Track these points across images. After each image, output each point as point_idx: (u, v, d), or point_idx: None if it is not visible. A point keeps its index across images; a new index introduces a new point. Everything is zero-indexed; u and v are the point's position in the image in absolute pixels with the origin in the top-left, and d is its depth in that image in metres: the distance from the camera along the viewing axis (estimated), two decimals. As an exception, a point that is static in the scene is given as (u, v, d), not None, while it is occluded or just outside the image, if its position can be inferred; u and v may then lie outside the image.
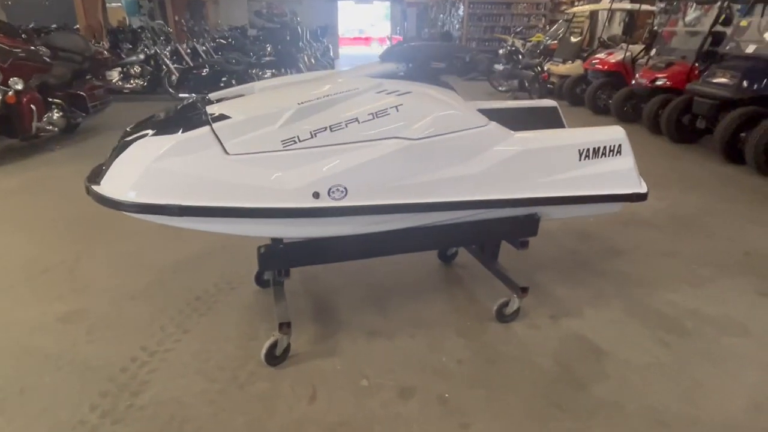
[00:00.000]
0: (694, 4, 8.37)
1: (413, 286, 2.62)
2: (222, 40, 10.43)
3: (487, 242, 2.41)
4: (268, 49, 7.53)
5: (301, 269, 2.59)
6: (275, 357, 1.99)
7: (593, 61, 8.06)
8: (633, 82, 6.88)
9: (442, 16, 14.83)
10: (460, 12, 13.53)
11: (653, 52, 7.08)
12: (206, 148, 1.74)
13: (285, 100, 1.83)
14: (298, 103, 1.80)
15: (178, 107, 2.02)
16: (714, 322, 2.32)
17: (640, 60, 7.71)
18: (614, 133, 2.20)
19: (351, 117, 1.83)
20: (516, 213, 2.18)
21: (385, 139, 1.86)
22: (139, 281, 2.63)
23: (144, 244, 3.09)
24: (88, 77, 5.88)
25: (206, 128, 1.76)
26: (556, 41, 10.15)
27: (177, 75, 8.22)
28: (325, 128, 1.81)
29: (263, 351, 1.97)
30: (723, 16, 8.81)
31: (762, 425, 1.72)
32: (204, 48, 9.70)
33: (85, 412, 1.75)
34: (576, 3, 12.92)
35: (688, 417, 1.76)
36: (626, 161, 2.22)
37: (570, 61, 9.03)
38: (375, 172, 1.86)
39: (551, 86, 8.93)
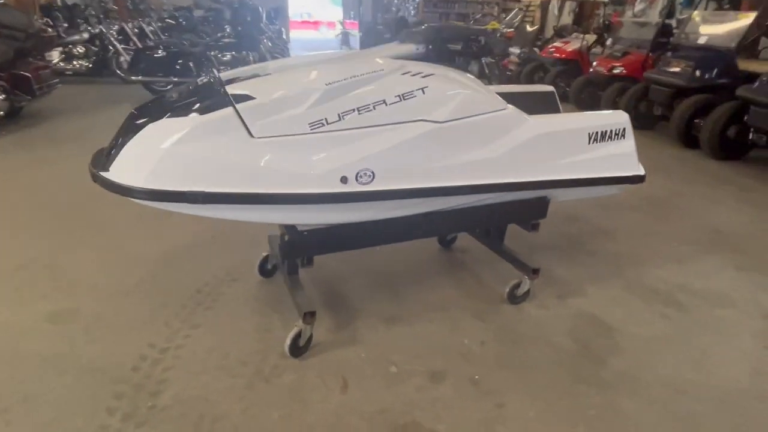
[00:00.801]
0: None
1: (418, 271, 2.61)
2: (171, 21, 9.86)
3: (499, 225, 2.44)
4: (227, 30, 7.19)
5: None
6: (298, 348, 1.93)
7: (550, 50, 8.30)
8: (591, 70, 7.15)
9: (396, 1, 14.76)
10: (416, -2, 13.54)
11: (608, 41, 7.38)
12: (230, 131, 1.64)
13: (311, 81, 1.75)
14: (326, 84, 1.72)
15: (192, 87, 1.89)
16: (703, 296, 2.48)
17: (594, 49, 8.02)
18: (619, 117, 2.27)
19: (378, 99, 1.78)
20: (528, 196, 2.22)
21: (412, 121, 1.83)
22: (129, 276, 2.47)
23: (124, 236, 2.89)
24: (31, 57, 5.38)
25: (229, 109, 1.65)
26: (512, 29, 10.36)
27: (126, 57, 7.70)
28: (353, 110, 1.75)
29: (287, 342, 1.90)
30: (667, 9, 9.34)
31: (766, 387, 1.87)
32: (151, 28, 9.13)
33: (103, 416, 1.62)
34: (527, -8, 13.23)
35: (700, 384, 1.87)
36: (629, 144, 2.31)
37: (526, 49, 9.25)
38: (402, 156, 1.82)
39: (510, 73, 9.12)
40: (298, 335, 1.91)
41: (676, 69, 5.46)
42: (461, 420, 1.67)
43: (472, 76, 2.08)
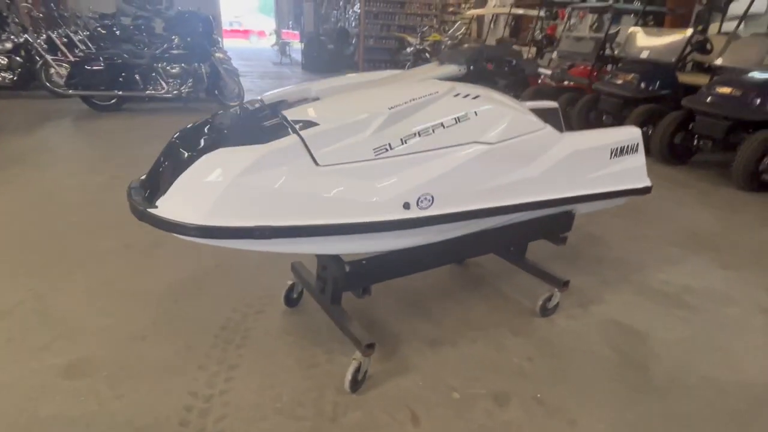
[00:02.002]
0: (570, 11, 9.40)
1: (442, 289, 2.60)
2: (101, 30, 9.17)
3: (531, 240, 2.47)
4: (175, 40, 6.80)
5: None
6: (357, 382, 1.84)
7: (498, 62, 8.64)
8: (539, 81, 7.53)
9: (335, 12, 14.73)
10: (356, 9, 13.57)
11: (554, 54, 7.80)
12: (296, 160, 1.54)
13: (374, 105, 1.69)
14: (389, 108, 1.67)
15: (240, 112, 1.75)
16: (706, 296, 2.67)
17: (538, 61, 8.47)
18: (634, 133, 2.39)
19: (437, 122, 1.75)
20: (557, 210, 2.28)
21: (467, 144, 1.82)
22: (138, 316, 2.24)
23: (112, 271, 2.62)
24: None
25: (294, 137, 1.55)
26: (456, 42, 10.69)
27: (57, 68, 7.07)
28: (415, 134, 1.71)
29: (348, 377, 1.81)
30: (596, 24, 10.01)
31: (790, 379, 2.04)
32: (79, 37, 8.45)
33: (167, 482, 1.45)
34: (462, 5, 13.74)
35: (737, 382, 2.00)
36: (640, 158, 2.44)
37: (473, 61, 9.57)
38: (458, 179, 1.81)
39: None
40: (358, 369, 1.82)
41: (623, 81, 5.89)
42: (541, 441, 1.67)
43: (510, 96, 2.10)
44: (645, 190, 2.50)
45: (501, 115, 1.90)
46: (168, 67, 6.69)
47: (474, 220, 1.93)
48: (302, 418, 1.71)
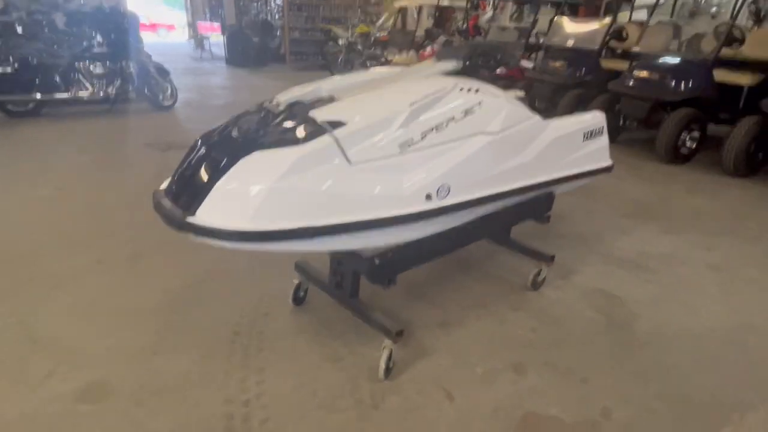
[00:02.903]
0: (491, 3, 9.87)
1: (436, 276, 2.72)
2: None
3: (519, 222, 2.64)
4: (97, 38, 6.29)
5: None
6: (389, 369, 1.92)
7: (431, 53, 8.89)
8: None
9: (256, 3, 14.27)
10: (279, 1, 13.24)
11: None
12: (331, 159, 1.58)
13: (394, 102, 1.75)
14: (410, 105, 1.74)
15: (263, 114, 1.73)
16: (660, 259, 3.02)
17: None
18: (599, 117, 2.64)
19: (450, 116, 1.86)
20: (540, 193, 2.48)
21: (474, 135, 1.94)
22: (141, 332, 2.15)
23: (97, 289, 2.47)
24: None
25: (328, 137, 1.58)
26: (385, 33, 10.81)
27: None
28: (432, 128, 1.80)
29: (382, 365, 1.88)
30: (516, 14, 10.57)
31: (746, 320, 2.39)
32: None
33: (233, 489, 1.45)
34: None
35: (705, 329, 2.32)
36: (605, 140, 2.70)
37: (405, 52, 9.78)
38: (470, 168, 1.93)
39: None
40: (390, 356, 1.90)
41: (553, 68, 6.33)
42: (564, 400, 1.85)
43: (499, 89, 2.25)
44: (609, 169, 2.77)
45: (500, 106, 2.04)
46: (91, 67, 6.20)
47: (482, 206, 2.06)
48: (345, 410, 1.77)
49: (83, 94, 6.14)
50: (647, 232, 3.41)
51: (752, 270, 2.89)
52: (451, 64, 2.13)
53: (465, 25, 10.71)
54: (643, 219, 3.62)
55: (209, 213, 1.48)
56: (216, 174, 1.50)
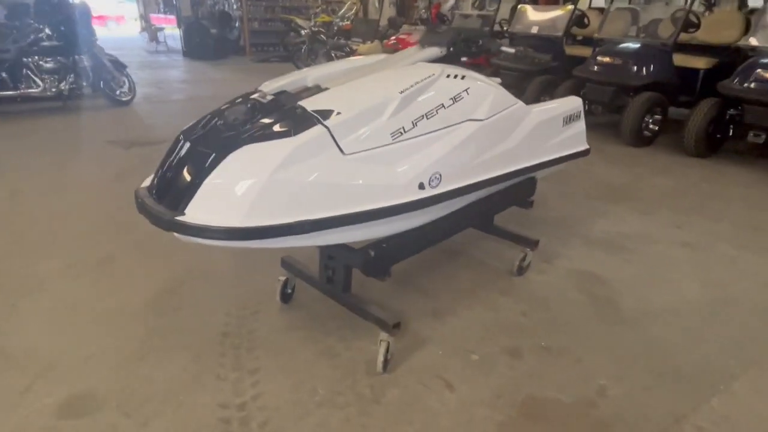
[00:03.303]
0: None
1: (424, 265, 2.71)
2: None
3: (504, 208, 2.65)
4: (46, 30, 5.90)
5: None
6: (386, 362, 1.90)
7: (395, 41, 8.83)
8: (439, 59, 7.86)
9: (211, -7, 13.79)
10: (236, -10, 12.86)
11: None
12: (325, 150, 1.53)
13: (386, 90, 1.71)
14: (400, 92, 1.71)
15: (251, 105, 1.65)
16: (635, 238, 3.11)
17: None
18: (576, 102, 2.68)
19: (438, 103, 1.83)
20: (523, 178, 2.49)
21: (463, 122, 1.92)
22: (124, 338, 2.05)
23: (70, 296, 2.34)
24: None
25: (320, 128, 1.53)
26: (348, 22, 10.67)
27: None
28: (423, 116, 1.77)
29: (380, 359, 1.86)
30: (477, 2, 10.62)
31: (722, 294, 2.49)
32: None
33: (239, 495, 1.40)
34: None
35: (684, 304, 2.40)
36: (581, 124, 2.74)
37: (370, 41, 9.69)
38: (460, 156, 1.91)
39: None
40: (387, 349, 1.88)
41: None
42: (561, 381, 1.88)
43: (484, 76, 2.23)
44: (586, 152, 2.82)
45: (486, 92, 2.03)
46: (41, 62, 5.84)
47: (471, 193, 2.05)
48: (345, 406, 1.74)
49: (33, 91, 5.79)
50: (620, 213, 3.50)
51: (722, 245, 3.02)
52: (434, 51, 2.10)
53: (427, 14, 10.71)
54: (615, 200, 3.71)
55: (199, 211, 1.41)
56: (204, 170, 1.43)
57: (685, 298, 2.46)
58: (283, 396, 1.77)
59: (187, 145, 1.51)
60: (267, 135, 1.49)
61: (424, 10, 11.18)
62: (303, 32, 9.76)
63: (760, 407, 1.78)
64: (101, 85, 6.27)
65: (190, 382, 1.82)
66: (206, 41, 11.89)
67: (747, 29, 5.39)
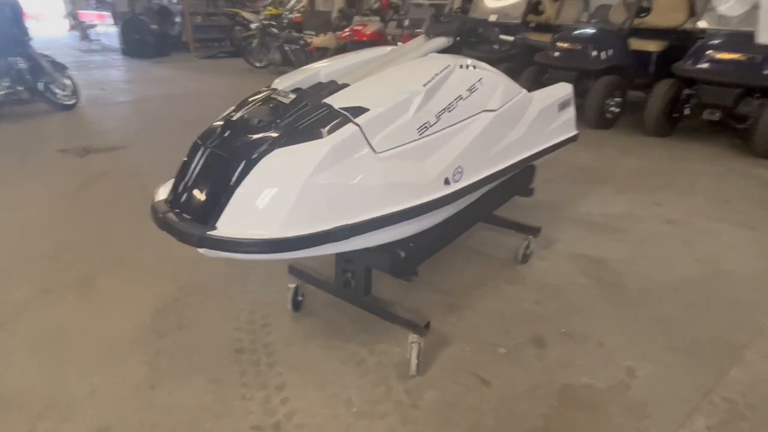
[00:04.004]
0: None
1: (428, 260, 2.66)
2: None
3: (509, 198, 2.63)
4: (-29, 32, 5.33)
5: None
6: (419, 364, 1.84)
7: (350, 33, 8.70)
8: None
9: (148, -12, 13.01)
10: (175, -16, 12.19)
11: (406, 22, 8.12)
12: (358, 150, 1.45)
13: (407, 83, 1.63)
14: (423, 85, 1.64)
15: (273, 105, 1.52)
16: (621, 218, 3.20)
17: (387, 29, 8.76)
18: (568, 89, 2.70)
19: (457, 95, 1.78)
20: (526, 166, 2.49)
21: (479, 113, 1.88)
22: (129, 365, 1.88)
23: (54, 323, 2.12)
24: None
25: (352, 126, 1.44)
26: (299, 14, 10.39)
27: None
28: (444, 109, 1.72)
29: (414, 361, 1.80)
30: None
31: (714, 268, 2.60)
32: None
33: None
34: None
35: (681, 280, 2.50)
36: (572, 110, 2.77)
37: (323, 34, 9.49)
38: (478, 147, 1.88)
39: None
40: (419, 351, 1.82)
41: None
42: (590, 366, 1.89)
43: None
44: (576, 137, 2.86)
45: (497, 82, 2.00)
46: (-32, 65, 5.30)
47: (486, 185, 2.02)
48: (385, 415, 1.67)
49: (-38, 98, 5.25)
50: (601, 194, 3.60)
51: (701, 220, 3.17)
52: (442, 41, 2.04)
53: (378, 4, 10.59)
54: (594, 183, 3.82)
55: (232, 224, 1.29)
56: (235, 179, 1.31)
57: (681, 274, 2.56)
58: (318, 411, 1.68)
59: (209, 152, 1.38)
60: (298, 137, 1.38)
61: (374, 0, 11.07)
62: (253, 26, 9.40)
63: (776, 373, 1.88)
64: (41, 89, 5.77)
65: (215, 406, 1.69)
66: (146, 38, 11.21)
67: (692, 13, 5.70)
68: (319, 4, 13.08)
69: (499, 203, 2.59)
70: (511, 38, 2.36)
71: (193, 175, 1.38)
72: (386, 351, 1.97)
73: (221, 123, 1.49)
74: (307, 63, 7.08)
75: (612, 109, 5.37)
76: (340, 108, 1.47)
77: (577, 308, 2.26)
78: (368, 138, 1.46)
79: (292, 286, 2.16)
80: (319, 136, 1.39)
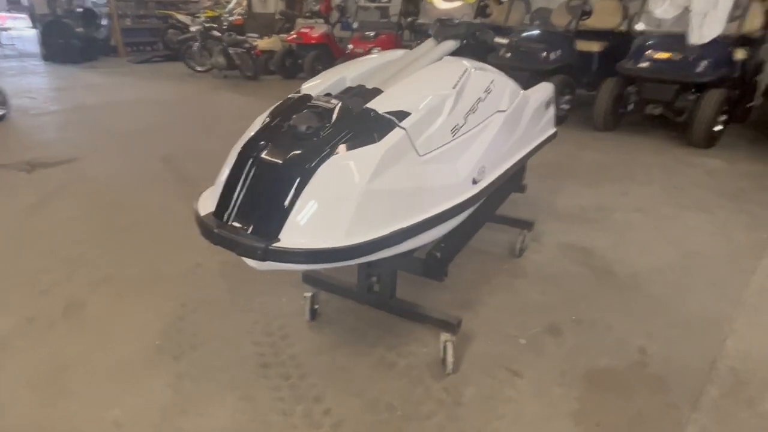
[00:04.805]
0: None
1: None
2: None
3: (508, 195, 2.70)
4: None
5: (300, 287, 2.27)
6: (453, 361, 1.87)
7: (297, 36, 8.58)
8: (348, 52, 7.81)
9: (66, -13, 12.09)
10: (100, -16, 11.42)
11: (355, 25, 8.12)
12: (406, 153, 1.46)
13: (438, 86, 1.65)
14: (453, 87, 1.67)
15: (320, 110, 1.47)
16: (596, 209, 3.40)
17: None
18: (551, 88, 2.84)
19: (478, 97, 1.83)
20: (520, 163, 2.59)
21: (494, 114, 1.94)
22: (149, 393, 1.76)
23: (51, 354, 1.95)
24: None
25: (398, 130, 1.44)
26: (239, 17, 10.10)
27: None
28: (470, 110, 1.76)
29: (451, 360, 1.83)
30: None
31: (687, 250, 2.83)
32: None
33: None
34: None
35: (664, 264, 2.70)
36: (553, 110, 2.92)
37: (267, 36, 9.29)
38: (495, 147, 1.94)
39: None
40: (453, 349, 1.85)
41: (432, 45, 6.59)
42: (605, 348, 2.01)
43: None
44: (555, 135, 3.01)
45: (505, 83, 2.07)
46: None
47: (499, 183, 2.08)
48: (432, 415, 1.69)
49: None
50: (571, 188, 3.81)
51: (664, 207, 3.44)
52: (452, 44, 2.09)
53: (318, 6, 10.51)
54: (561, 177, 4.03)
55: (295, 234, 1.26)
56: (294, 189, 1.27)
57: (660, 257, 2.77)
58: (364, 418, 1.67)
59: (260, 163, 1.33)
60: (353, 143, 1.36)
61: (315, 2, 10.96)
62: (193, 29, 9.00)
63: (766, 339, 2.08)
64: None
65: (254, 425, 1.63)
66: (71, 42, 10.43)
67: (625, 15, 6.17)
68: (256, 5, 12.81)
69: (502, 200, 2.68)
70: (505, 41, 2.45)
71: (245, 187, 1.32)
72: (413, 352, 1.98)
73: (265, 132, 1.44)
74: (254, 66, 6.96)
75: (563, 106, 5.68)
76: (385, 113, 1.47)
77: (579, 296, 2.39)
78: (413, 141, 1.48)
79: (309, 294, 2.12)
80: (372, 141, 1.38)
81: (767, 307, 2.31)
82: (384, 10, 8.84)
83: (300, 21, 9.84)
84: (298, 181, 1.28)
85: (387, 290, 1.93)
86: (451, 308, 2.25)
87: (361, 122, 1.43)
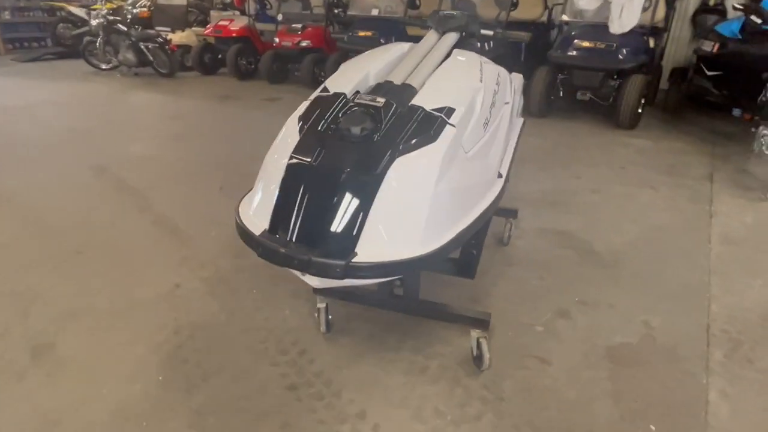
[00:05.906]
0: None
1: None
2: None
3: None
4: None
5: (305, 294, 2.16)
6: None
7: (215, 29, 8.06)
8: (275, 44, 7.48)
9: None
10: (-35, -29, 9.87)
11: (279, 17, 7.77)
12: (458, 151, 1.41)
13: (468, 81, 1.60)
14: (480, 81, 1.63)
15: (374, 111, 1.34)
16: (564, 193, 3.55)
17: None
18: (521, 78, 2.90)
19: (493, 90, 1.81)
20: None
21: (503, 105, 1.95)
22: (171, 423, 1.56)
23: (31, 399, 1.66)
24: None
25: (450, 128, 1.38)
26: (145, 9, 9.25)
27: None
28: (492, 103, 1.74)
29: (486, 356, 1.81)
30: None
31: (648, 224, 3.06)
32: None
33: None
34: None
35: (637, 240, 2.89)
36: (522, 100, 3.00)
37: (180, 30, 8.64)
38: (506, 138, 1.94)
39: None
40: (487, 344, 1.83)
41: (365, 37, 6.51)
42: (615, 326, 2.11)
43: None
44: (524, 124, 3.10)
45: (506, 76, 2.08)
46: None
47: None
48: (481, 414, 1.66)
49: None
50: (527, 173, 3.95)
51: (617, 187, 3.69)
52: (454, 36, 2.04)
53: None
54: (525, 163, 4.15)
55: (372, 247, 1.15)
56: (365, 197, 1.16)
57: (629, 234, 2.96)
58: (414, 428, 1.60)
59: (318, 171, 1.20)
60: (412, 144, 1.27)
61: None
62: (94, 23, 8.11)
63: (743, 300, 2.30)
64: None
65: (304, 454, 1.51)
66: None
67: (545, 7, 6.53)
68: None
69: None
70: (491, 33, 2.45)
71: (306, 200, 1.18)
72: (440, 353, 1.95)
73: (311, 137, 1.30)
74: (169, 63, 6.46)
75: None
76: (432, 110, 1.40)
77: (574, 278, 2.49)
78: (461, 138, 1.42)
79: (322, 306, 2.00)
80: (429, 140, 1.30)
81: (732, 272, 2.56)
82: (305, 1, 8.58)
83: (214, 14, 9.27)
84: (368, 189, 1.17)
85: (412, 293, 1.86)
86: (463, 302, 2.24)
87: (413, 121, 1.35)
